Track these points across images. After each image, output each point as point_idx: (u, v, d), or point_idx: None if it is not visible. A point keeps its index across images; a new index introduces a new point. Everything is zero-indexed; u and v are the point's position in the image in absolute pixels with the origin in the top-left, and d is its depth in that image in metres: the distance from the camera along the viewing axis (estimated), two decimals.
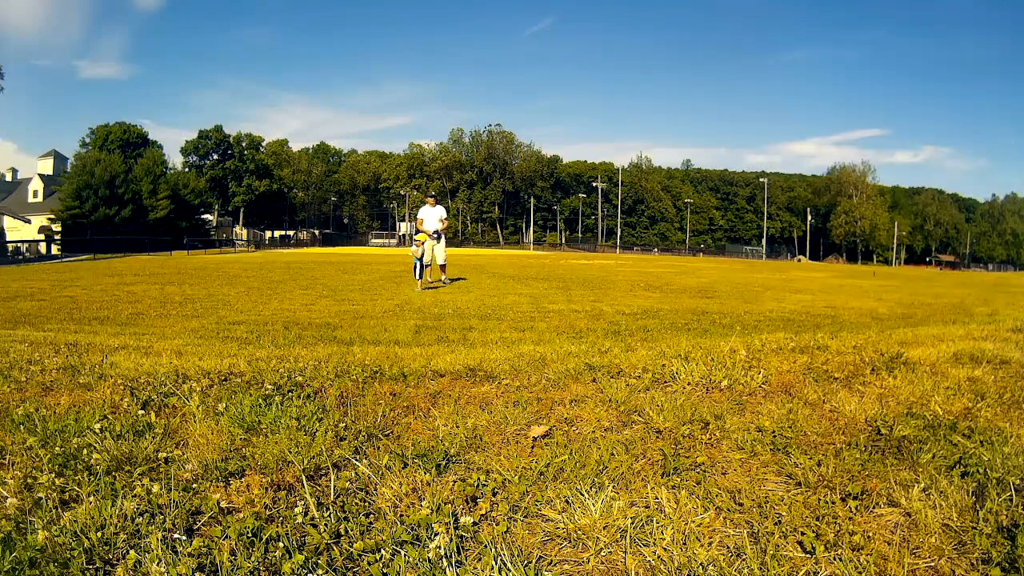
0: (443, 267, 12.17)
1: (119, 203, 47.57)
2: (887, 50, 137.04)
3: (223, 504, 1.62)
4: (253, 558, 1.38)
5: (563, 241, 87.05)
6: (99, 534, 1.46)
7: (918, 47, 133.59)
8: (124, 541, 1.46)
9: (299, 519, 1.54)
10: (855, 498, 1.65)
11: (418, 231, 11.80)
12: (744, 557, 1.42)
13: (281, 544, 1.43)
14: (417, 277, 11.07)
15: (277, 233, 77.19)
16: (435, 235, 11.81)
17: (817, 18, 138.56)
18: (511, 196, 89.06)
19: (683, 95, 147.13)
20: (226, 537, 1.45)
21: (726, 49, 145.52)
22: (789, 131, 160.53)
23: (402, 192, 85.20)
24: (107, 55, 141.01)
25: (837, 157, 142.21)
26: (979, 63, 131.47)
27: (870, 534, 1.50)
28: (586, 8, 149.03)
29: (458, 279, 13.69)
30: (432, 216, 11.90)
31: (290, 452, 1.91)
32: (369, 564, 1.39)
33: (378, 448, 2.00)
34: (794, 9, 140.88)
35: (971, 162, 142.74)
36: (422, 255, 11.05)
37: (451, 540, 1.44)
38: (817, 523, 1.53)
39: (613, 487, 1.71)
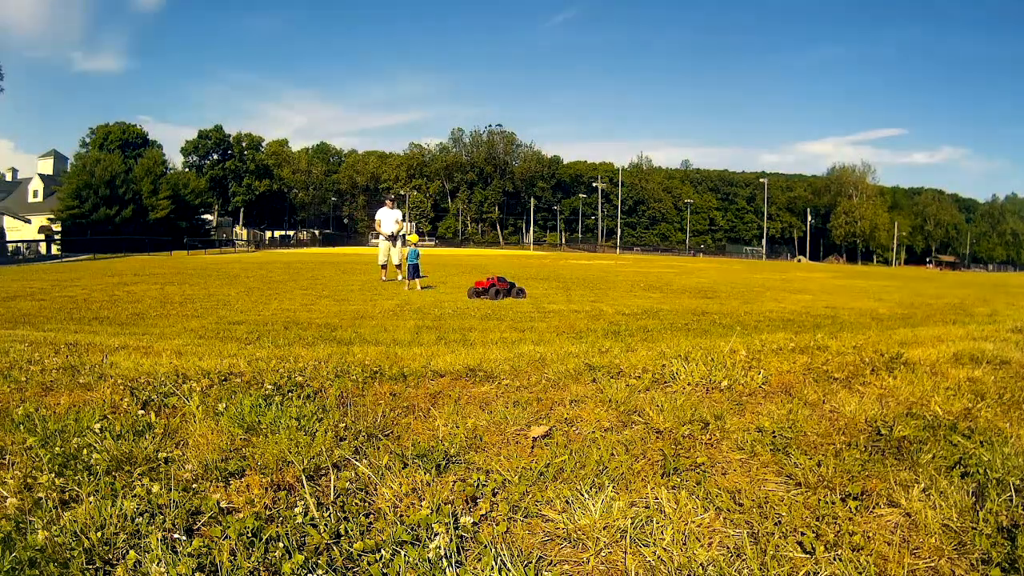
0: (399, 267, 12.79)
1: (119, 203, 47.56)
2: (905, 49, 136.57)
3: (223, 504, 1.62)
4: (253, 558, 1.38)
5: (563, 241, 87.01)
6: (99, 534, 1.46)
7: (932, 46, 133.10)
8: (124, 541, 1.46)
9: (299, 519, 1.54)
10: (855, 498, 1.65)
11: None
12: (744, 557, 1.42)
13: (281, 544, 1.43)
14: (416, 277, 11.13)
15: (277, 233, 77.14)
16: (391, 237, 12.67)
17: (835, 17, 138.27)
18: (511, 196, 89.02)
19: (685, 94, 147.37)
20: (226, 537, 1.45)
21: (740, 49, 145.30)
22: (804, 131, 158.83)
23: (402, 192, 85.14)
24: (107, 50, 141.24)
25: (854, 157, 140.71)
26: (1003, 61, 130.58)
27: (870, 534, 1.50)
28: (596, 7, 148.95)
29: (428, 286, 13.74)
30: (388, 218, 12.75)
31: (290, 452, 1.91)
32: (369, 564, 1.39)
33: (378, 448, 2.00)
34: (814, 7, 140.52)
35: (986, 163, 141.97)
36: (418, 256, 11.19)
37: (451, 540, 1.44)
38: (817, 523, 1.53)
39: (613, 487, 1.71)
